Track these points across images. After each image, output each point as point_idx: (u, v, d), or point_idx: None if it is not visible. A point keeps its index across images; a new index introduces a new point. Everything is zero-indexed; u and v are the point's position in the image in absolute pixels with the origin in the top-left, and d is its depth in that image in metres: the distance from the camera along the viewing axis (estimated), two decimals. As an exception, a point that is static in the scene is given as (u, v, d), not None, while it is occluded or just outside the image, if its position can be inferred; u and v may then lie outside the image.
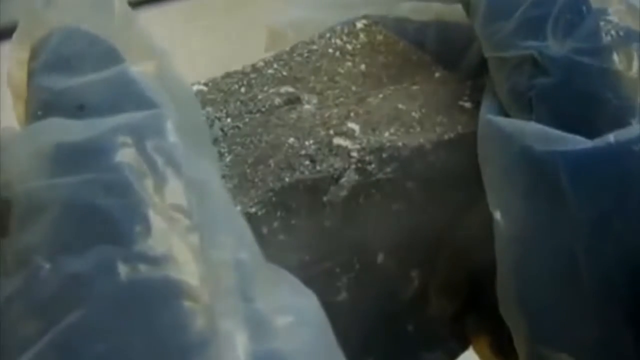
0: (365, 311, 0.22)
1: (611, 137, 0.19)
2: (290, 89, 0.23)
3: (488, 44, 0.22)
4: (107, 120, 0.17)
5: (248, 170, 0.21)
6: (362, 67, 0.25)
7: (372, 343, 0.22)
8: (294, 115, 0.23)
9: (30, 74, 0.19)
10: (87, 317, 0.14)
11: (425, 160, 0.22)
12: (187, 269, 0.15)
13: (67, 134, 0.16)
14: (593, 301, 0.19)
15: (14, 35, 0.19)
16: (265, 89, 0.23)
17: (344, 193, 0.21)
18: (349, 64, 0.25)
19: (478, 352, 0.24)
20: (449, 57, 0.25)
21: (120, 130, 0.16)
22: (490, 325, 0.23)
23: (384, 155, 0.22)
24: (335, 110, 0.23)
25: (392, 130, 0.22)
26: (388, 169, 0.21)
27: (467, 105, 0.24)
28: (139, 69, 0.18)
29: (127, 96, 0.17)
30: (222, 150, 0.21)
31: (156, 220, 0.15)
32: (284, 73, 0.24)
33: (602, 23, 0.20)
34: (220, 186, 0.17)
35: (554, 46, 0.20)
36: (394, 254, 0.22)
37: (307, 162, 0.21)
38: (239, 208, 0.20)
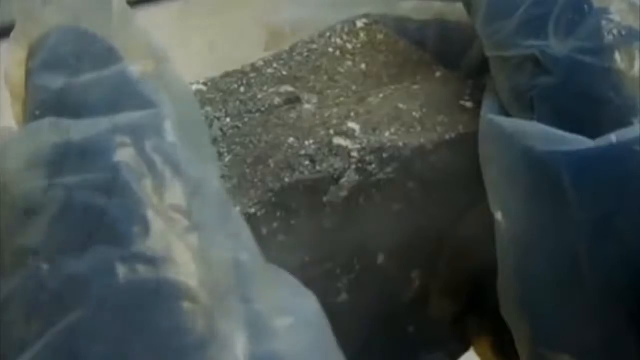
0: (365, 312, 0.22)
1: (613, 137, 0.19)
2: (290, 89, 0.23)
3: (489, 43, 0.22)
4: (105, 120, 0.16)
5: (247, 171, 0.21)
6: (363, 66, 0.24)
7: (373, 344, 0.22)
8: (293, 115, 0.22)
9: (29, 74, 0.19)
10: (85, 318, 0.14)
11: (426, 161, 0.22)
12: (186, 270, 0.15)
13: (65, 133, 0.16)
14: (595, 302, 0.18)
15: (12, 35, 0.19)
16: (265, 88, 0.23)
17: (344, 193, 0.21)
18: (349, 63, 0.25)
19: (479, 353, 0.24)
20: (450, 57, 0.25)
21: (118, 130, 0.16)
22: (491, 327, 0.23)
23: (385, 155, 0.21)
24: (336, 110, 0.23)
25: (392, 130, 0.22)
26: (389, 169, 0.21)
27: (469, 104, 0.23)
28: (138, 69, 0.18)
29: (125, 96, 0.17)
30: (222, 150, 0.21)
31: (155, 221, 0.15)
32: (284, 72, 0.24)
33: (604, 22, 0.20)
34: (219, 186, 0.17)
35: (556, 45, 0.20)
36: (395, 254, 0.22)
37: (307, 162, 0.21)
38: (238, 208, 0.20)
